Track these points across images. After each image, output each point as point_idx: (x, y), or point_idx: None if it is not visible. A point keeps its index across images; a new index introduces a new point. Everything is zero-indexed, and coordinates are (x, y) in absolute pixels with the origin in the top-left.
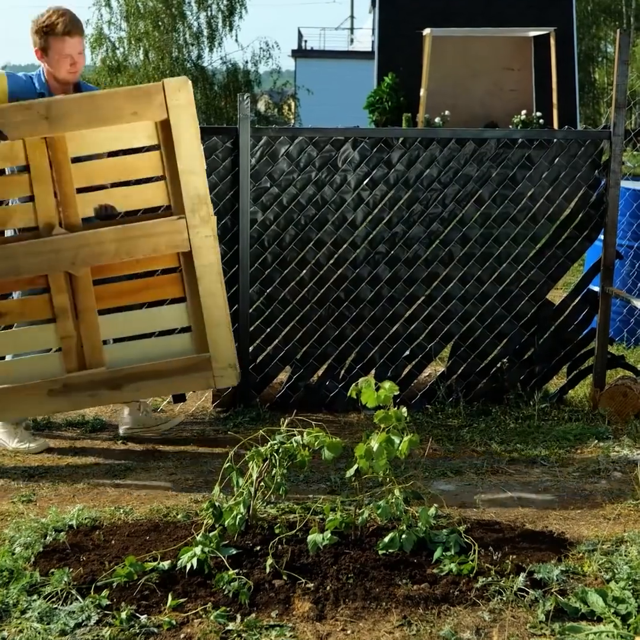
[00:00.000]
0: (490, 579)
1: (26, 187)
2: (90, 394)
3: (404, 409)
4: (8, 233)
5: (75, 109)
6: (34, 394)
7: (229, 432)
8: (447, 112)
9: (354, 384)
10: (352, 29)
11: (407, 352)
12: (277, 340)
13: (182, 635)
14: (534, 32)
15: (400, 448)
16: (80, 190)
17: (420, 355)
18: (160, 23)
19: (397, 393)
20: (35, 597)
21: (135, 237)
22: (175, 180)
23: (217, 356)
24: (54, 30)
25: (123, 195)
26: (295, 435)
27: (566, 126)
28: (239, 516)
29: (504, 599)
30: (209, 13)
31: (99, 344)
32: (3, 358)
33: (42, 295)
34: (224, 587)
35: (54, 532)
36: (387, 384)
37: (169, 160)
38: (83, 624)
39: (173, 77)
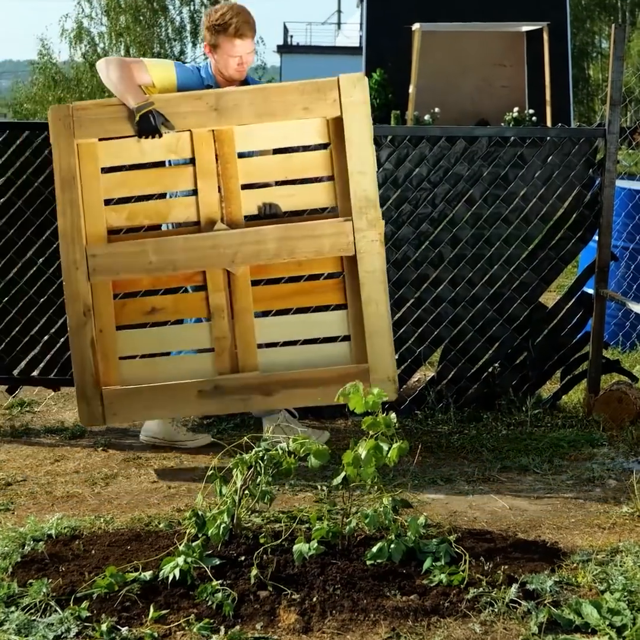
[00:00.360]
0: (481, 590)
1: (190, 180)
2: (241, 398)
3: (393, 415)
4: (163, 227)
5: (246, 101)
6: (183, 394)
7: (212, 439)
8: (436, 109)
9: (341, 389)
10: (339, 24)
11: (396, 356)
12: None
13: None
14: (526, 27)
15: (389, 455)
16: (244, 187)
17: (410, 360)
18: (141, 17)
19: (386, 399)
20: (13, 608)
21: (298, 237)
22: (343, 181)
23: (376, 367)
24: (226, 31)
25: (288, 194)
26: (280, 442)
27: (560, 124)
28: (223, 525)
29: (496, 610)
30: (192, 7)
31: (253, 347)
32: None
33: (198, 292)
34: (207, 599)
35: (32, 542)
36: (375, 389)
37: (338, 159)
38: (62, 637)
39: (348, 73)
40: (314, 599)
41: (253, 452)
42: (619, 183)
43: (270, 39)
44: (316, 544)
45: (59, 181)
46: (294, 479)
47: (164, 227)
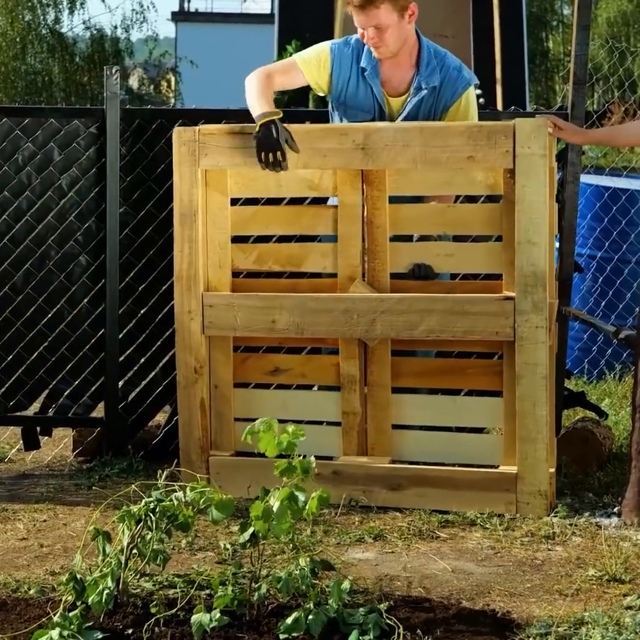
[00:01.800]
0: None
1: (330, 224)
2: (363, 490)
3: (312, 459)
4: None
5: (399, 142)
6: None
7: (94, 488)
8: None
9: (249, 427)
10: None
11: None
12: (153, 373)
13: None
14: None
15: (307, 507)
16: (393, 239)
17: None
18: None
19: (303, 438)
20: None
21: (446, 311)
22: (509, 248)
23: (525, 477)
24: None
25: (445, 253)
26: (176, 491)
27: (512, 107)
28: (106, 591)
29: None
30: None
31: (387, 428)
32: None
33: (330, 356)
34: None
35: None
36: (291, 427)
37: (508, 219)
38: None
39: (527, 118)
40: None
41: (142, 502)
42: (584, 178)
43: (163, 4)
44: (219, 614)
45: (178, 215)
46: (192, 535)
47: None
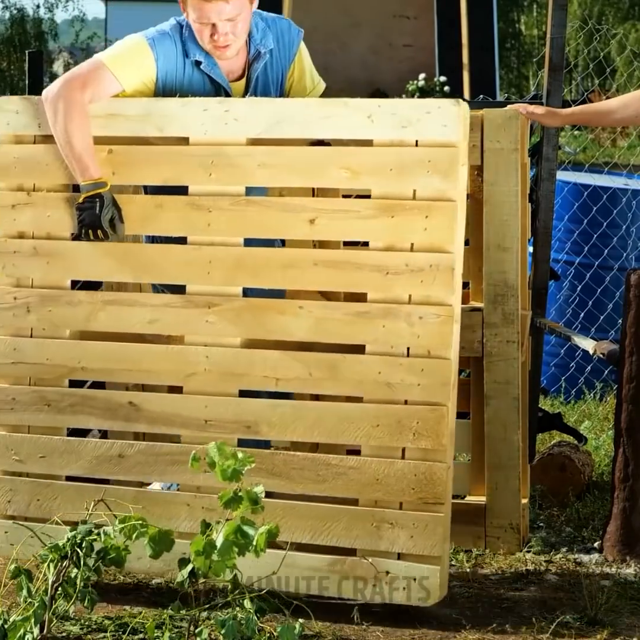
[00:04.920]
0: None
1: None
2: None
3: (260, 487)
4: None
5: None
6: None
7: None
8: None
9: (193, 451)
10: None
11: None
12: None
13: None
14: None
15: (256, 542)
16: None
17: None
18: None
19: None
20: None
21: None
22: (477, 254)
23: (495, 509)
24: None
25: None
26: (106, 523)
27: (481, 96)
28: (29, 636)
29: None
30: None
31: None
32: None
33: None
34: None
35: None
36: (239, 453)
37: (475, 221)
38: None
39: (497, 109)
40: None
41: (68, 536)
42: (561, 175)
43: None
44: None
45: None
46: (124, 573)
47: None
